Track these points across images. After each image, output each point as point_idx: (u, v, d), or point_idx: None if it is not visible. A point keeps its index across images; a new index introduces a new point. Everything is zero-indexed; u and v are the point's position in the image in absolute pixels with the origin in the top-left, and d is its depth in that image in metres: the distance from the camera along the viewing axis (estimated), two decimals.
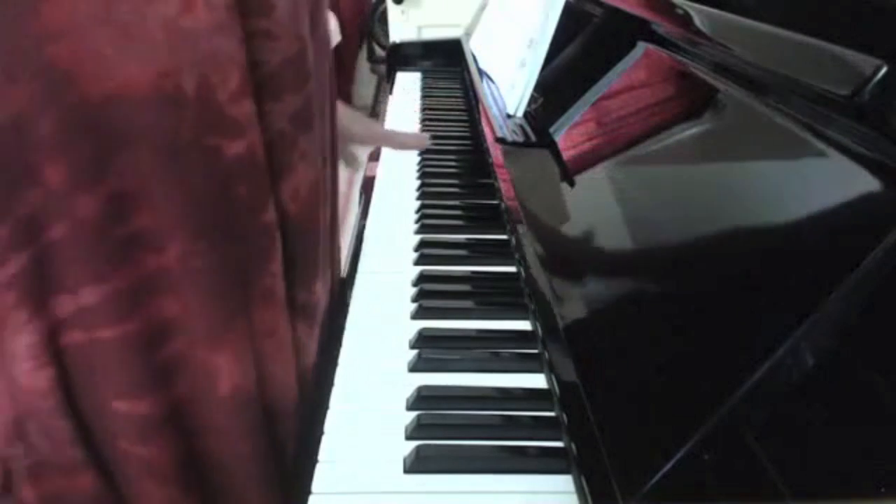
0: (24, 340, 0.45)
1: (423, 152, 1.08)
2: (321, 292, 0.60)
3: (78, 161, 0.42)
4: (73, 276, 0.44)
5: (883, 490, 0.28)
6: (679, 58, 0.57)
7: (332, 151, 0.63)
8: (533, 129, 0.83)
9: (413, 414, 0.52)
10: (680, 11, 0.57)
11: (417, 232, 0.82)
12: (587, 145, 0.68)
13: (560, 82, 0.84)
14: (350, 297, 0.69)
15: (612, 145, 0.63)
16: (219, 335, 0.50)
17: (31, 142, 0.40)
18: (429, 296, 0.68)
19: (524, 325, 0.64)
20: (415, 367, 0.58)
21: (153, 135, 0.43)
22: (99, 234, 0.43)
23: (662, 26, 0.62)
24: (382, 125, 1.26)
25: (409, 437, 0.50)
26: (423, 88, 1.47)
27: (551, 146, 0.74)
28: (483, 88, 1.06)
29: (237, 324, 0.50)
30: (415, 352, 0.59)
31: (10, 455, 0.49)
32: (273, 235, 0.51)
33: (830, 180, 0.37)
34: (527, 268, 0.67)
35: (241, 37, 0.44)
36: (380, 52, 3.16)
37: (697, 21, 0.54)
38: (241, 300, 0.50)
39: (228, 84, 0.44)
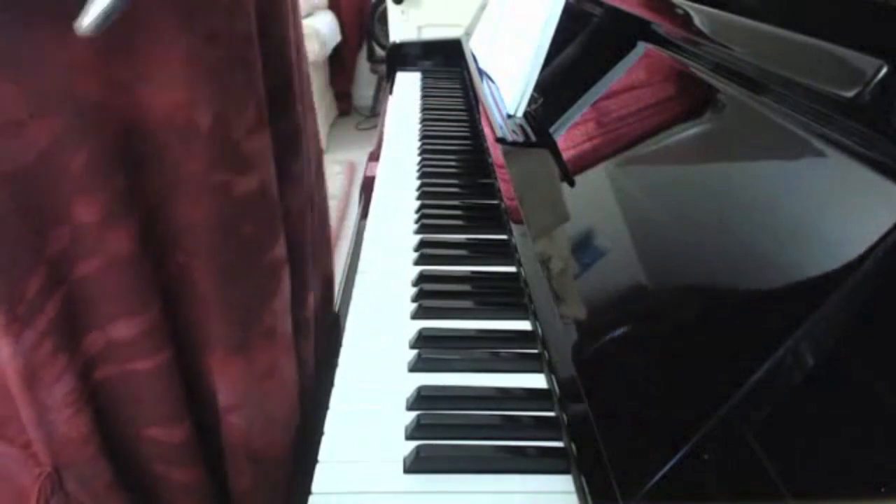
0: (61, 389, 0.44)
1: (423, 152, 1.08)
2: (313, 303, 0.60)
3: (109, 196, 0.40)
4: (105, 311, 0.44)
5: (883, 490, 0.28)
6: (679, 58, 0.57)
7: (318, 168, 0.62)
8: (533, 129, 0.83)
9: (413, 414, 0.52)
10: (680, 11, 0.57)
11: (417, 232, 0.82)
12: (587, 145, 0.68)
13: (560, 82, 0.84)
14: (350, 297, 0.69)
15: (613, 145, 0.63)
16: (221, 371, 0.50)
17: (61, 178, 0.39)
18: (429, 296, 0.68)
19: (524, 325, 0.64)
20: (415, 367, 0.58)
21: (167, 167, 0.42)
22: (132, 268, 0.43)
23: (662, 26, 0.62)
24: (383, 125, 1.26)
25: (408, 437, 0.50)
26: (423, 88, 1.47)
27: (551, 146, 0.74)
28: (483, 88, 1.06)
29: (237, 361, 0.50)
30: (415, 352, 0.59)
31: None
32: (279, 274, 0.50)
33: (830, 180, 0.37)
34: (526, 268, 0.67)
35: (259, 69, 0.43)
36: (380, 52, 3.16)
37: (698, 21, 0.54)
38: (241, 340, 0.49)
39: (244, 118, 0.43)
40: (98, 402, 0.47)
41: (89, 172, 0.40)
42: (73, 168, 0.39)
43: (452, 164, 1.04)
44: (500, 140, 0.83)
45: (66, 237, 0.41)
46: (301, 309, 0.56)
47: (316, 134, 0.63)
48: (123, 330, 0.44)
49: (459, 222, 0.85)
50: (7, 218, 0.39)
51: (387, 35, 2.84)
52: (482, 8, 1.48)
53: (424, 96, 1.41)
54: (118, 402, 0.47)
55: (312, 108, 0.61)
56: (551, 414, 0.52)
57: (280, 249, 0.49)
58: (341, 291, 0.72)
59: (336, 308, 0.70)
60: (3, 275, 0.40)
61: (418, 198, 0.91)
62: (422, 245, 0.78)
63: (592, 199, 0.61)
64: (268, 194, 0.47)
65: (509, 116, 0.90)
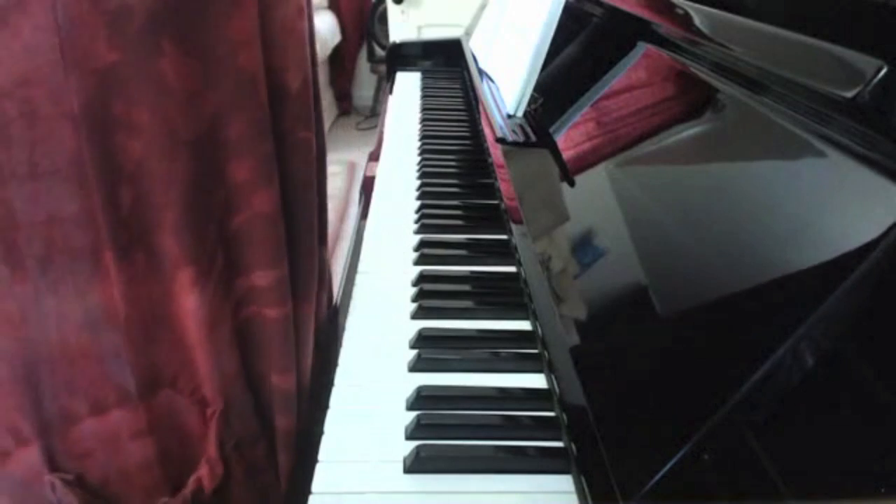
0: (227, 330, 0.50)
1: (423, 152, 1.08)
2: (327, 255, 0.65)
3: (257, 159, 0.46)
4: (248, 261, 0.49)
5: (883, 490, 0.28)
6: (679, 58, 0.57)
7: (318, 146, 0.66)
8: (533, 129, 0.83)
9: (413, 414, 0.52)
10: (680, 11, 0.57)
11: (417, 232, 0.82)
12: (587, 145, 0.68)
13: (560, 82, 0.84)
14: (350, 297, 0.69)
15: (613, 145, 0.63)
16: (307, 317, 0.56)
17: (222, 145, 0.44)
18: (428, 296, 0.68)
19: (524, 325, 0.64)
20: (414, 367, 0.58)
21: (282, 131, 0.48)
22: (271, 224, 0.48)
23: (662, 26, 0.62)
24: (383, 125, 1.26)
25: (408, 437, 0.50)
26: (423, 88, 1.47)
27: (551, 146, 0.74)
28: (483, 88, 1.06)
29: (312, 312, 0.57)
30: (414, 352, 0.59)
31: (223, 439, 0.54)
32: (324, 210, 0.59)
33: (830, 180, 0.37)
34: (526, 268, 0.67)
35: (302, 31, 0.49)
36: (380, 52, 3.16)
37: (698, 21, 0.54)
38: (311, 292, 0.57)
39: (310, 80, 0.49)
40: (243, 341, 0.53)
41: (243, 139, 0.45)
42: (232, 135, 0.44)
43: (452, 164, 1.04)
44: (500, 140, 0.83)
45: (224, 196, 0.47)
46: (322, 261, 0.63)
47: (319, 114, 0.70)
48: (262, 279, 0.50)
49: (459, 222, 0.85)
50: (190, 182, 0.44)
51: (387, 35, 2.85)
52: (482, 8, 1.48)
53: (424, 96, 1.41)
54: (253, 343, 0.53)
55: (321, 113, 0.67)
56: (551, 414, 0.52)
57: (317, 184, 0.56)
58: (341, 291, 0.72)
59: (336, 302, 0.71)
60: (189, 234, 0.45)
61: (418, 198, 0.91)
62: (422, 245, 0.78)
63: (592, 199, 0.61)
64: (321, 147, 0.55)
65: (509, 116, 0.90)
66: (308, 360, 0.59)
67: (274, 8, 0.44)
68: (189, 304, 0.47)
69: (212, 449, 0.53)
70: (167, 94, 0.41)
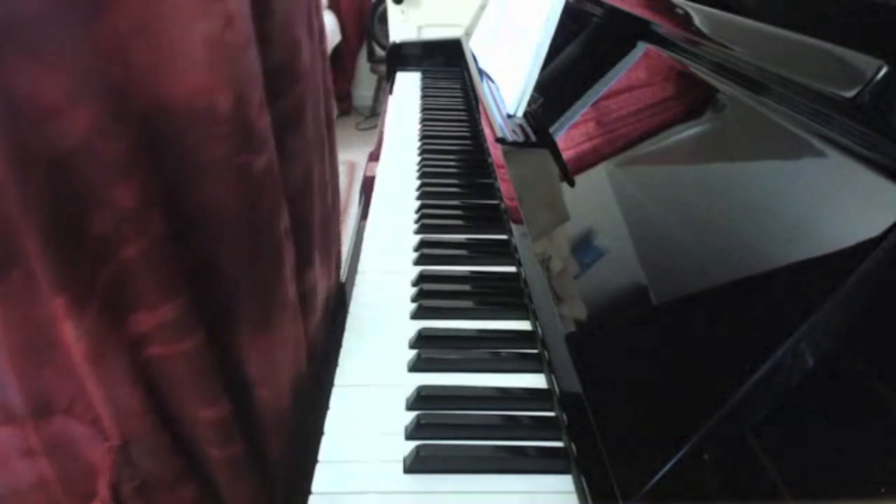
0: (119, 365, 0.46)
1: (423, 152, 1.08)
2: (318, 285, 0.61)
3: (144, 181, 0.41)
4: (148, 293, 0.45)
5: (883, 490, 0.28)
6: (679, 58, 0.57)
7: (330, 148, 0.63)
8: (533, 128, 0.83)
9: (413, 414, 0.52)
10: (680, 11, 0.57)
11: (417, 232, 0.82)
12: (587, 145, 0.68)
13: (560, 82, 0.84)
14: (350, 297, 0.69)
15: (613, 145, 0.63)
16: (249, 348, 0.51)
17: (101, 164, 0.40)
18: (428, 296, 0.68)
19: (524, 324, 0.64)
20: (414, 367, 0.58)
21: (190, 152, 0.43)
22: (166, 252, 0.44)
23: (662, 26, 0.62)
24: (383, 125, 1.26)
25: (408, 437, 0.50)
26: (423, 88, 1.47)
27: (551, 146, 0.74)
28: (483, 88, 1.06)
29: (261, 336, 0.51)
30: (414, 352, 0.59)
31: (120, 479, 0.50)
32: (286, 245, 0.51)
33: (830, 180, 0.37)
34: (526, 268, 0.67)
35: (257, 46, 0.44)
36: (380, 52, 3.16)
37: (698, 21, 0.54)
38: (263, 315, 0.51)
39: (255, 98, 0.44)
40: (151, 381, 0.49)
41: (126, 161, 0.41)
42: (111, 155, 0.40)
43: (452, 163, 1.04)
44: (500, 140, 0.83)
45: (110, 220, 0.42)
46: (301, 283, 0.58)
47: (331, 119, 0.64)
48: (166, 313, 0.46)
49: (459, 222, 0.85)
50: (55, 205, 0.40)
51: (387, 35, 2.85)
52: (482, 8, 1.48)
53: (424, 96, 1.41)
54: (165, 381, 0.49)
55: (329, 90, 0.62)
56: (551, 414, 0.52)
57: (285, 221, 0.51)
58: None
59: (343, 278, 0.70)
60: (60, 261, 0.41)
61: (418, 198, 0.91)
62: (422, 245, 0.78)
63: (592, 199, 0.61)
64: (274, 169, 0.48)
65: (509, 116, 0.90)
66: (283, 373, 0.55)
67: (192, 20, 0.39)
68: (67, 333, 0.43)
69: (104, 490, 0.49)
70: (15, 111, 0.37)
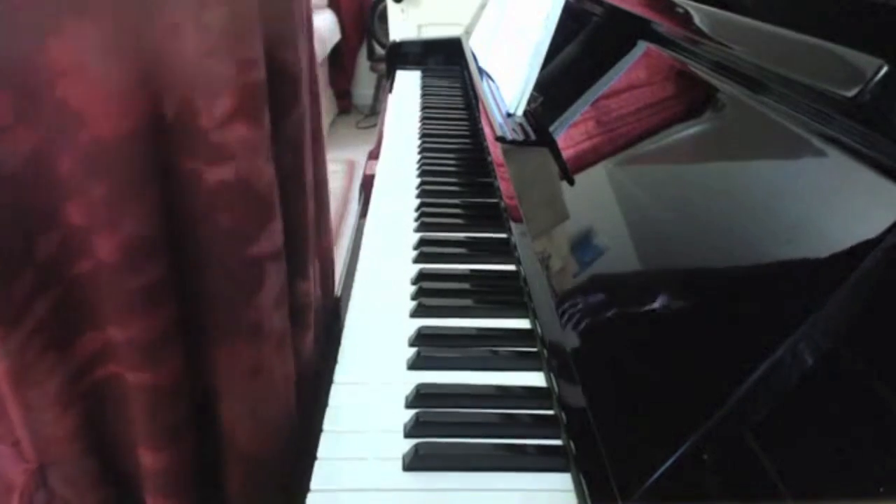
0: (49, 388, 0.45)
1: (423, 151, 1.08)
2: (311, 290, 0.60)
3: (94, 198, 0.40)
4: (100, 313, 0.44)
5: (883, 490, 0.28)
6: (679, 57, 0.57)
7: (316, 144, 0.61)
8: (533, 127, 0.83)
9: (412, 412, 0.52)
10: (680, 10, 0.57)
11: (417, 230, 0.82)
12: (587, 144, 0.68)
13: (560, 81, 0.84)
14: (349, 295, 0.69)
15: (612, 144, 0.63)
16: (222, 378, 0.49)
17: (49, 183, 0.39)
18: (428, 294, 0.68)
19: (523, 323, 0.64)
20: (414, 365, 0.58)
21: (140, 161, 0.42)
22: (120, 275, 0.43)
23: (663, 25, 0.62)
24: (382, 123, 1.26)
25: (407, 435, 0.50)
26: (423, 87, 1.47)
27: (551, 145, 0.74)
28: (483, 87, 1.06)
29: (216, 353, 0.49)
30: (414, 350, 0.59)
31: (32, 502, 0.49)
32: (265, 268, 0.48)
33: (830, 180, 0.37)
34: (526, 266, 0.67)
35: (238, 60, 0.43)
36: (380, 50, 3.16)
37: (698, 20, 0.54)
38: (221, 332, 0.49)
39: (216, 108, 0.43)
40: (93, 403, 0.47)
41: (75, 179, 0.40)
42: (62, 173, 0.39)
43: (452, 162, 1.04)
44: (500, 139, 0.83)
45: (57, 240, 0.41)
46: (298, 298, 0.56)
47: (317, 111, 0.62)
48: (117, 335, 0.45)
49: (459, 221, 0.85)
50: None
51: (387, 34, 2.84)
52: (482, 6, 1.48)
53: (424, 95, 1.41)
54: (108, 408, 0.48)
55: (317, 99, 0.60)
56: (550, 412, 0.52)
57: (267, 244, 0.48)
58: (341, 290, 0.72)
59: (338, 293, 0.69)
60: None
61: (418, 196, 0.91)
62: (421, 243, 0.78)
63: (592, 198, 0.61)
64: (253, 187, 0.46)
65: (509, 115, 0.90)
66: (263, 412, 0.53)
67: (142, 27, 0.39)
68: None
69: None
70: None
